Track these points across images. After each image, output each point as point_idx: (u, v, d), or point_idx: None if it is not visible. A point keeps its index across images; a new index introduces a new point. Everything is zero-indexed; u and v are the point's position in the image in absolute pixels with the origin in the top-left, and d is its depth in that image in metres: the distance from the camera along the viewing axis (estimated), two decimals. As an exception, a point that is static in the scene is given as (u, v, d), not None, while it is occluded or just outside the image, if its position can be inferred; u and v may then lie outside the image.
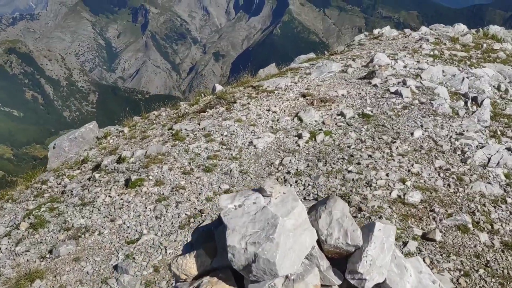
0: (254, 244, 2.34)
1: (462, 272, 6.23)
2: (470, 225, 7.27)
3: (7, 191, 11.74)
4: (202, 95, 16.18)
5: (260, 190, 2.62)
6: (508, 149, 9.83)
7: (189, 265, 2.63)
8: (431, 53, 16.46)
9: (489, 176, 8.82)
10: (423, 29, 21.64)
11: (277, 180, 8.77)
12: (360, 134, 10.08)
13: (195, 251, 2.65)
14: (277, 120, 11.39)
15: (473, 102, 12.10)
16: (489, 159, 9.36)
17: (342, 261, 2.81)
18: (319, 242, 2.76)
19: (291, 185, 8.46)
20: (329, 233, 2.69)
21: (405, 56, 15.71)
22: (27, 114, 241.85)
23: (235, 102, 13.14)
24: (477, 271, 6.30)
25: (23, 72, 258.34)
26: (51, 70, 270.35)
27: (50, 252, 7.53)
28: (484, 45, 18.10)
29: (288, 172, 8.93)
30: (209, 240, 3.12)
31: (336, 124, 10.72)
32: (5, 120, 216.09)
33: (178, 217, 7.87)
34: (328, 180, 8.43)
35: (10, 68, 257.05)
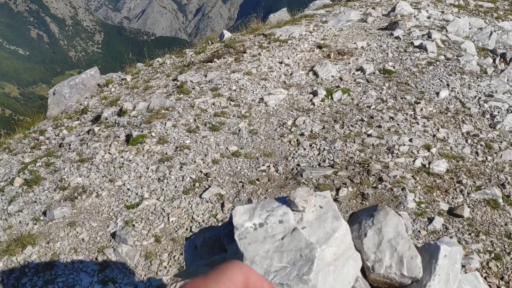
0: (281, 286, 1.70)
1: (492, 255, 5.65)
2: (500, 200, 6.64)
3: (5, 138, 11.20)
4: (210, 42, 15.20)
5: (289, 202, 1.94)
6: (540, 111, 9.06)
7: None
8: (456, 3, 15.23)
9: (520, 143, 8.09)
10: (448, -25, 20.10)
11: (290, 143, 8.08)
12: (381, 93, 9.25)
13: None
14: (290, 74, 10.53)
15: (502, 59, 11.16)
16: (520, 124, 8.60)
17: (390, 291, 2.17)
18: (362, 267, 2.10)
19: (304, 149, 7.77)
20: (377, 259, 2.02)
21: (428, 5, 14.51)
22: (32, 52, 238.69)
23: (244, 52, 12.22)
24: (508, 253, 5.72)
25: (28, 10, 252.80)
26: (56, 8, 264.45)
27: (44, 213, 7.00)
28: (514, -6, 16.75)
29: (302, 134, 8.21)
30: (214, 249, 2.47)
31: (354, 80, 9.86)
32: (11, 58, 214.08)
33: (182, 180, 7.26)
34: (346, 144, 7.72)
35: (15, 5, 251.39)
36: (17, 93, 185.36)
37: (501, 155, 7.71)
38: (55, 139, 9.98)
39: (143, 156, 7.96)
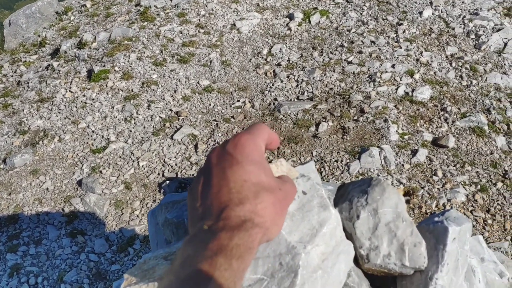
0: (256, 305, 1.33)
1: (478, 187, 5.47)
2: (485, 127, 6.38)
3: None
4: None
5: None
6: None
7: (150, 300, 1.65)
8: None
9: (505, 64, 7.74)
10: None
11: (266, 74, 7.53)
12: (361, 14, 8.60)
13: (155, 283, 1.62)
14: (264, -5, 9.68)
15: (488, -28, 10.48)
16: (505, 44, 8.19)
17: (388, 279, 1.83)
18: (355, 256, 1.74)
19: (281, 80, 7.26)
20: (373, 246, 1.65)
21: None
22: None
23: (213, -29, 11.16)
24: (494, 184, 5.54)
25: None
26: None
27: (4, 161, 6.49)
28: None
29: (278, 64, 7.64)
30: (179, 232, 2.06)
31: (333, 0, 9.12)
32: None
33: (151, 120, 6.74)
34: (325, 74, 7.22)
35: None
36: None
37: (486, 78, 7.37)
38: (12, 76, 9.20)
39: (107, 94, 7.34)
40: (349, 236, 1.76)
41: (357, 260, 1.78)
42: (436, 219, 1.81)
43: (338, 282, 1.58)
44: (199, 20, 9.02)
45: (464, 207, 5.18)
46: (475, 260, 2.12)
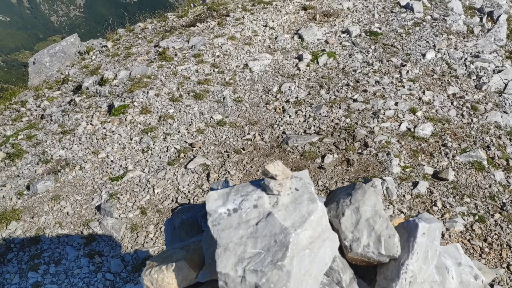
0: (255, 273, 1.65)
1: (476, 217, 5.72)
2: (485, 162, 6.67)
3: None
4: (192, 5, 14.76)
5: (264, 186, 1.87)
6: (527, 73, 9.00)
7: (167, 280, 1.96)
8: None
9: (505, 104, 8.10)
10: None
11: (275, 110, 7.98)
12: (367, 56, 9.11)
13: (174, 263, 1.95)
14: (275, 38, 10.29)
15: (489, 18, 11.01)
16: (506, 85, 8.57)
17: (370, 269, 2.15)
18: (340, 246, 2.07)
19: (290, 116, 7.69)
20: (355, 238, 1.98)
21: (416, -38, 14.14)
22: (13, 18, 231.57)
23: (228, 15, 11.88)
24: (492, 215, 5.79)
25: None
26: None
27: (28, 188, 6.91)
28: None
29: (287, 101, 8.10)
30: (192, 231, 2.42)
31: (340, 43, 9.67)
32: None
33: (167, 151, 7.16)
34: (331, 110, 7.64)
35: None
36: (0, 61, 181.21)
37: (487, 116, 7.71)
38: (36, 110, 9.77)
39: (126, 126, 7.82)
40: (336, 231, 2.10)
41: (342, 251, 2.11)
42: (411, 219, 2.14)
43: (323, 263, 1.91)
44: (214, 60, 9.60)
45: (462, 236, 5.41)
46: (450, 262, 2.43)
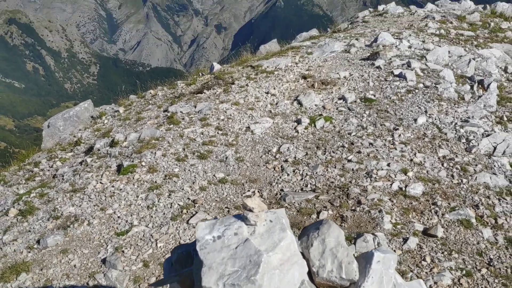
0: (233, 286, 2.03)
1: (463, 272, 5.96)
2: (473, 220, 6.97)
3: (0, 171, 11.50)
4: (200, 74, 15.75)
5: (243, 218, 2.29)
6: (515, 136, 9.47)
7: (163, 299, 2.33)
8: (437, 32, 15.90)
9: (494, 166, 8.49)
10: (429, 6, 21.01)
11: (274, 169, 8.46)
12: (361, 120, 9.70)
13: (168, 285, 2.34)
14: (276, 103, 11.00)
15: (480, 86, 11.66)
16: (495, 148, 9.01)
17: (335, 294, 2.51)
18: (310, 273, 2.45)
19: (288, 174, 8.15)
20: (321, 265, 2.37)
21: (410, 35, 15.16)
22: (28, 85, 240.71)
23: (233, 83, 12.71)
24: (479, 270, 6.03)
25: (23, 43, 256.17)
26: (51, 41, 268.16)
27: (38, 242, 7.28)
28: (492, 24, 17.48)
29: (286, 161, 8.60)
30: (187, 264, 2.81)
31: (337, 109, 10.32)
32: (7, 91, 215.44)
33: (171, 207, 7.58)
34: (327, 170, 8.10)
35: (11, 39, 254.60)
36: (12, 125, 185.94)
37: (476, 177, 8.09)
38: (49, 170, 10.30)
39: (133, 185, 8.29)
40: (307, 259, 2.50)
41: (312, 277, 2.49)
42: (369, 250, 2.54)
43: (292, 284, 2.30)
44: (219, 123, 10.24)
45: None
46: (411, 292, 2.78)
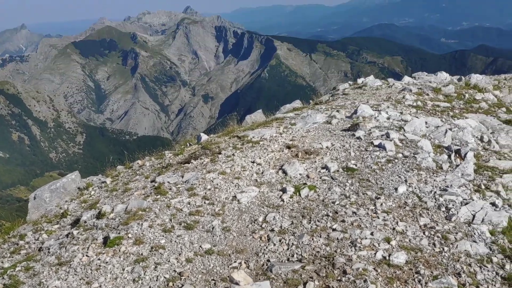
0: None
1: None
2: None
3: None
4: (188, 144, 16.12)
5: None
6: (493, 204, 9.77)
7: None
8: (414, 104, 16.72)
9: (474, 233, 8.71)
10: (406, 79, 22.16)
11: (261, 239, 8.57)
12: (344, 189, 9.99)
13: None
14: (262, 172, 11.29)
15: (457, 155, 12.15)
16: (474, 216, 9.28)
17: None
18: None
19: (274, 244, 8.26)
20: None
21: (388, 107, 15.91)
22: (13, 155, 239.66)
23: (220, 153, 13.06)
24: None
25: (10, 113, 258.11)
26: (38, 111, 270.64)
27: (20, 318, 7.13)
28: (466, 95, 18.47)
29: (272, 230, 8.74)
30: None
31: (320, 178, 10.64)
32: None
33: (157, 280, 7.56)
34: (313, 239, 8.25)
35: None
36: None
37: (457, 245, 8.28)
38: (34, 243, 10.23)
39: (119, 257, 8.29)
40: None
41: None
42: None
43: None
44: (206, 193, 10.43)
45: None
46: None
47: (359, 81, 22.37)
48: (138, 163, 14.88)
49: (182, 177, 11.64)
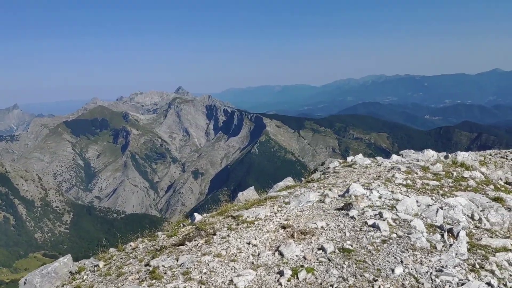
0: None
1: None
2: None
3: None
4: (181, 225, 16.08)
5: None
6: (488, 284, 9.78)
7: None
8: (404, 182, 17.07)
9: (474, 316, 8.67)
10: (394, 157, 22.73)
11: (259, 325, 8.40)
12: (342, 271, 9.97)
13: None
14: (258, 254, 11.25)
15: (450, 234, 12.28)
16: (472, 296, 9.27)
17: None
18: None
19: (273, 331, 8.10)
20: None
21: (379, 185, 16.23)
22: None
23: (214, 234, 13.04)
24: None
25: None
26: (26, 190, 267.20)
27: None
28: (454, 173, 18.92)
29: (271, 316, 8.59)
30: None
31: (317, 259, 10.63)
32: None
33: None
34: (312, 325, 8.11)
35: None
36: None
37: (458, 327, 8.21)
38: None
39: None
40: None
41: None
42: None
43: None
44: (201, 277, 10.31)
45: None
46: None
47: (349, 159, 22.90)
48: (131, 245, 14.72)
49: (177, 260, 11.53)
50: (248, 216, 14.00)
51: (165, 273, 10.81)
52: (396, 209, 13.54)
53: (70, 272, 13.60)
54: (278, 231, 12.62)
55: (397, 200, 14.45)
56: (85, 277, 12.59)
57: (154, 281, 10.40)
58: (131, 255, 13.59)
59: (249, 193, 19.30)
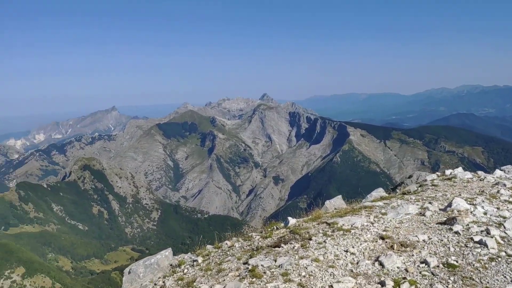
0: None
1: None
2: None
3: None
4: (275, 227, 16.41)
5: None
6: None
7: None
8: (510, 199, 15.98)
9: None
10: (498, 172, 21.34)
11: (362, 332, 8.38)
12: (447, 287, 9.62)
13: None
14: (357, 263, 11.20)
15: None
16: None
17: None
18: None
19: None
20: None
21: (483, 201, 15.37)
22: (91, 228, 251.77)
23: (310, 239, 13.18)
24: None
25: (93, 188, 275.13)
26: (120, 187, 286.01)
27: None
28: None
29: (374, 325, 8.54)
30: None
31: (420, 273, 10.35)
32: (70, 232, 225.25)
33: None
34: (419, 337, 7.94)
35: (83, 183, 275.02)
36: (69, 267, 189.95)
37: None
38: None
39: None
40: None
41: None
42: None
43: None
44: (301, 279, 10.49)
45: None
46: None
47: (447, 172, 21.88)
48: (227, 244, 15.30)
49: (275, 261, 11.82)
50: (343, 224, 13.97)
51: (265, 272, 11.13)
52: (504, 227, 12.74)
53: (171, 265, 14.46)
54: (376, 241, 12.45)
55: (504, 217, 13.60)
56: (185, 270, 13.30)
57: (254, 279, 10.76)
58: (228, 252, 14.14)
59: (337, 202, 19.19)
